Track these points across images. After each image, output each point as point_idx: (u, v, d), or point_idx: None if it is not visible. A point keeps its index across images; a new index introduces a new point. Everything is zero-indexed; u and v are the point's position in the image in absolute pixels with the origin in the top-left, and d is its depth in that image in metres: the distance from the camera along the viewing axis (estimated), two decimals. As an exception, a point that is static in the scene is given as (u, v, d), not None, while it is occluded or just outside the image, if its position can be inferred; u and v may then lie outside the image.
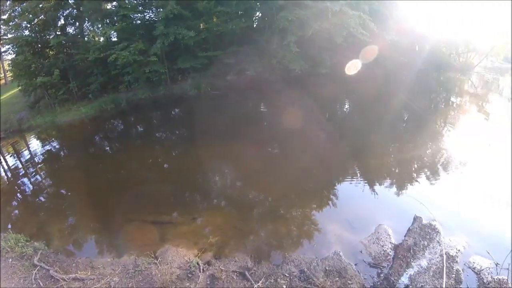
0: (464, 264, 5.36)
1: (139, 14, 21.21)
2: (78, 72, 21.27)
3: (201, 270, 5.30)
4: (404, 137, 11.07)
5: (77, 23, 22.91)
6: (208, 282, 5.11)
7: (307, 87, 17.40)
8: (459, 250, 5.63)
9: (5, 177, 11.73)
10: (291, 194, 7.73)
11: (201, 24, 20.38)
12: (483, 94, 19.57)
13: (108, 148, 14.39)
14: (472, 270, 5.27)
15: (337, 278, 4.98)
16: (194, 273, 5.26)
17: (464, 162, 8.90)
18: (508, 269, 5.18)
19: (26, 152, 14.72)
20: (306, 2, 17.69)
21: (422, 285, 4.88)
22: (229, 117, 14.15)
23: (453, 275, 5.12)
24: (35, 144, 15.85)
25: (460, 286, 4.93)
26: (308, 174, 8.73)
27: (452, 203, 6.89)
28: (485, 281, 5.02)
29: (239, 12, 20.46)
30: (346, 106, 16.38)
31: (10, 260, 5.94)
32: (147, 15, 21.52)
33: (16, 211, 8.74)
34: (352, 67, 17.93)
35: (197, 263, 5.42)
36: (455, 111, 15.12)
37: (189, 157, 10.52)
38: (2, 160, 13.76)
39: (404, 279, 5.06)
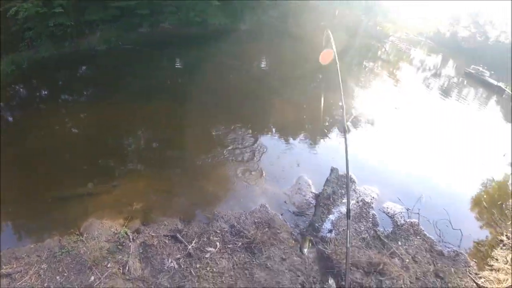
0: (379, 210, 6.17)
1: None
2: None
3: (131, 240, 5.18)
4: (316, 94, 11.79)
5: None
6: (140, 251, 5.05)
7: (225, 43, 16.98)
8: (373, 197, 6.45)
9: None
10: (212, 151, 7.70)
11: None
12: (395, 61, 21.92)
13: (10, 118, 12.41)
14: (386, 214, 6.10)
15: (266, 229, 5.35)
16: (124, 243, 5.13)
17: (373, 121, 10.03)
18: (418, 213, 6.08)
19: None
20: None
21: (343, 229, 5.51)
22: (141, 74, 13.09)
23: (370, 219, 5.87)
24: None
25: (377, 229, 5.66)
26: (227, 129, 8.76)
27: (364, 157, 7.73)
28: (398, 223, 5.84)
29: None
30: (263, 64, 16.58)
31: None
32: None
33: None
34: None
35: (126, 233, 5.26)
36: (366, 74, 16.68)
37: (101, 120, 9.47)
38: None
39: (327, 225, 5.65)
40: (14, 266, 4.98)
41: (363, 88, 13.79)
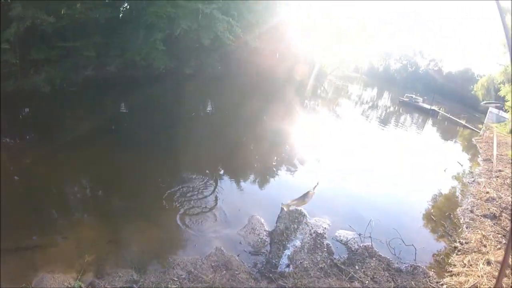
0: (332, 238, 6.54)
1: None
2: None
3: (86, 293, 4.98)
4: (261, 136, 12.44)
5: None
6: (96, 306, 4.84)
7: (170, 86, 17.73)
8: (325, 228, 6.85)
9: None
10: (159, 197, 7.54)
11: (63, 10, 17.57)
12: (333, 98, 24.07)
13: None
14: (340, 242, 6.47)
15: (224, 271, 5.40)
16: (79, 299, 4.90)
17: (316, 154, 10.85)
18: (370, 236, 6.52)
19: None
20: (179, 1, 17.62)
21: (300, 262, 5.75)
22: (85, 119, 12.67)
23: (325, 249, 6.19)
24: None
25: (333, 257, 5.96)
26: (173, 174, 8.80)
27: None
28: (353, 249, 6.21)
29: (106, 0, 18.75)
30: (209, 108, 17.14)
31: None
32: (2, -7, 17.20)
33: None
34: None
35: (80, 287, 5.04)
36: (308, 113, 18.03)
37: (43, 165, 8.83)
38: None
39: (284, 260, 5.85)
40: None
41: (303, 125, 14.77)
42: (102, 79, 17.44)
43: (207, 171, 9.00)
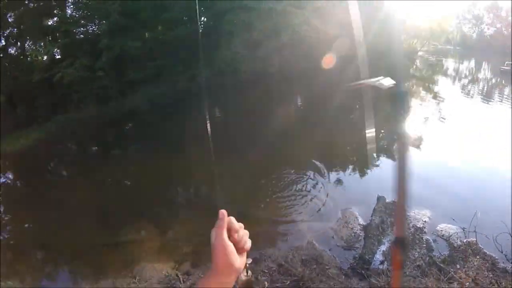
0: (433, 233, 5.77)
1: (82, 28, 20.43)
2: (24, 96, 19.99)
3: (181, 281, 5.26)
4: (357, 125, 11.50)
5: (19, 43, 21.46)
6: (190, 292, 5.10)
7: (257, 88, 17.70)
8: (425, 222, 6.06)
9: None
10: (257, 193, 7.78)
11: (146, 34, 20.01)
12: (428, 76, 21.15)
13: (64, 172, 13.76)
14: (441, 238, 5.67)
15: (314, 266, 5.17)
16: (175, 285, 5.21)
17: (419, 139, 9.55)
18: (474, 231, 5.53)
19: None
20: (250, 4, 17.94)
21: None
22: (185, 126, 13.72)
23: (424, 245, 5.48)
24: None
25: (433, 254, 5.24)
26: (270, 170, 8.84)
27: (410, 180, 7.35)
28: (455, 245, 5.39)
29: (184, 18, 20.21)
30: (299, 103, 16.78)
31: None
32: (90, 29, 20.69)
33: None
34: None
35: (176, 275, 5.37)
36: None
37: (149, 171, 10.13)
38: None
39: (378, 256, 5.33)
40: None
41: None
42: (194, 89, 18.62)
43: (301, 166, 8.92)
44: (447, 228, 5.88)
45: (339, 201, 7.05)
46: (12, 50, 21.84)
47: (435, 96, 16.21)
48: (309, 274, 4.91)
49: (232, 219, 0.94)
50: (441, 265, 4.90)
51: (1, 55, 20.57)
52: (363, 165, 8.69)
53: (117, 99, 18.90)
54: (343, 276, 4.96)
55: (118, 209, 8.31)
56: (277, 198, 7.48)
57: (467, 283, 4.49)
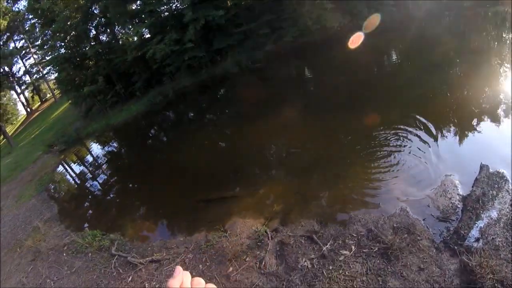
0: None
1: (165, 6, 21.70)
2: (121, 75, 22.58)
3: (270, 238, 5.57)
4: (459, 81, 10.01)
5: (108, 30, 23.96)
6: (277, 249, 5.37)
7: (346, 43, 16.19)
8: None
9: (73, 182, 12.99)
10: (349, 155, 7.47)
11: (228, 2, 20.25)
12: None
13: (164, 137, 15.32)
14: None
15: (405, 235, 4.90)
16: (263, 241, 5.55)
17: None
18: None
19: (89, 157, 16.16)
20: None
21: (492, 238, 4.58)
22: (274, 87, 14.09)
23: None
24: (96, 148, 17.29)
25: None
26: (364, 131, 8.34)
27: None
28: None
29: None
30: (393, 57, 15.05)
31: (90, 254, 6.61)
32: (173, 5, 21.92)
33: (90, 211, 9.60)
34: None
35: (265, 231, 5.70)
36: (509, 48, 13.24)
37: (243, 133, 10.75)
38: (68, 168, 15.26)
39: (475, 232, 4.78)
40: (164, 254, 5.96)
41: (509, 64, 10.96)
42: (282, 50, 18.88)
43: (398, 126, 8.23)
44: None
45: (439, 166, 6.32)
46: (103, 37, 24.53)
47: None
48: (399, 243, 4.71)
49: (189, 278, 0.85)
50: None
51: (94, 43, 23.28)
52: (470, 127, 7.54)
53: (208, 68, 20.17)
54: (434, 250, 4.62)
55: (213, 169, 9.06)
56: (372, 159, 7.12)
57: None
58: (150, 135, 16.22)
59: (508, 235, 4.58)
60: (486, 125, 7.37)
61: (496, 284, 3.90)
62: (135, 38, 23.29)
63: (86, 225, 8.39)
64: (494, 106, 8.09)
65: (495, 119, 7.54)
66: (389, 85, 10.89)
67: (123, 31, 25.49)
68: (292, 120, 10.27)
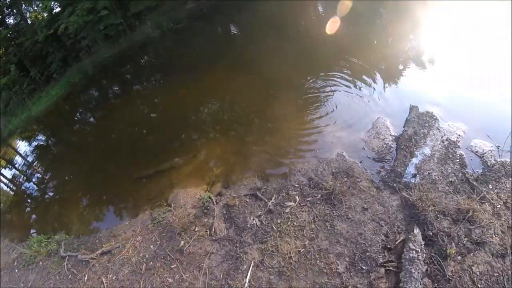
0: (466, 148, 5.33)
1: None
2: (34, 58, 20.04)
3: (215, 203, 5.44)
4: (385, 30, 10.32)
5: (14, 10, 20.89)
6: (224, 212, 5.27)
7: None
8: (459, 135, 5.58)
9: (8, 190, 11.70)
10: (280, 107, 7.46)
11: None
12: None
13: (91, 118, 14.06)
14: (475, 154, 5.23)
15: (345, 178, 5.08)
16: (209, 207, 5.40)
17: (450, 49, 8.52)
18: (509, 151, 5.10)
19: (18, 158, 14.54)
20: None
21: (428, 172, 4.94)
22: (200, 47, 13.43)
23: (457, 160, 5.14)
24: (23, 146, 15.55)
25: (466, 171, 4.93)
26: (294, 80, 8.35)
27: (445, 91, 6.68)
28: (488, 164, 4.96)
29: None
30: (319, 10, 15.05)
31: (41, 262, 6.12)
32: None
33: (33, 216, 8.84)
34: None
35: (209, 197, 5.53)
36: None
37: (172, 99, 10.23)
38: None
39: (411, 169, 5.12)
40: (113, 243, 5.63)
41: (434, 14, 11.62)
42: (203, 8, 17.84)
43: (329, 72, 8.30)
44: (481, 144, 5.38)
45: (369, 110, 6.58)
46: (10, 20, 21.42)
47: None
48: (340, 187, 4.87)
49: None
50: (474, 183, 4.64)
51: (1, 28, 20.22)
52: (396, 73, 7.93)
53: (127, 35, 18.48)
54: (374, 189, 4.88)
55: (147, 143, 8.57)
56: (304, 109, 7.16)
57: (499, 206, 4.27)
58: (76, 119, 14.74)
59: (443, 169, 4.99)
60: (411, 72, 7.76)
61: (438, 215, 4.24)
62: (45, 15, 20.53)
63: (32, 231, 7.73)
64: (417, 51, 8.56)
65: (419, 66, 8.04)
66: (317, 38, 10.80)
67: (31, 9, 22.40)
68: (221, 79, 9.93)
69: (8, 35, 19.86)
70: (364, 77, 7.81)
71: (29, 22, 21.66)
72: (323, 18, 13.20)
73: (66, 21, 16.86)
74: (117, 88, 15.42)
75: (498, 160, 5.08)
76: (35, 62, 19.90)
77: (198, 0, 18.00)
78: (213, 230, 5.01)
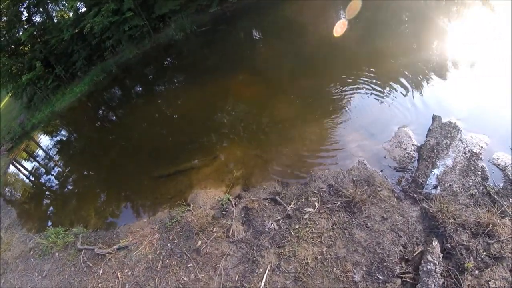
0: (489, 161, 5.21)
1: (99, -25, 19.47)
2: (60, 56, 20.58)
3: (234, 205, 5.49)
4: (409, 38, 10.11)
5: (41, 9, 21.56)
6: (243, 215, 5.31)
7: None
8: (482, 147, 5.46)
9: (28, 181, 12.09)
10: (303, 113, 7.44)
11: None
12: None
13: (113, 116, 14.39)
14: (497, 167, 5.10)
15: (366, 187, 5.04)
16: (227, 209, 5.46)
17: (475, 60, 8.35)
18: None
19: (39, 151, 14.99)
20: None
21: (450, 184, 4.85)
22: (223, 51, 13.50)
23: (479, 172, 5.03)
24: (45, 140, 16.02)
25: (487, 183, 4.82)
26: (316, 89, 8.30)
27: (469, 101, 6.55)
28: (510, 177, 4.83)
29: None
30: (341, 14, 14.92)
31: (57, 254, 6.31)
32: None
33: (51, 208, 9.09)
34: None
35: (228, 199, 5.59)
36: (457, 6, 13.81)
37: (194, 101, 10.32)
38: (21, 167, 14.05)
39: (432, 180, 5.04)
40: (130, 239, 5.76)
41: (457, 21, 11.41)
42: (227, 12, 17.91)
43: (351, 80, 8.23)
44: (504, 157, 5.23)
45: (392, 119, 6.49)
46: (36, 18, 22.06)
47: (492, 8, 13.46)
48: (360, 196, 4.84)
49: None
50: (495, 196, 4.52)
51: (27, 26, 20.87)
52: (418, 81, 7.75)
53: (151, 37, 18.75)
54: (395, 199, 4.82)
55: (168, 143, 8.76)
56: (326, 116, 7.14)
57: None
58: (98, 116, 15.10)
59: (465, 181, 4.88)
60: (434, 81, 7.59)
61: (458, 228, 4.15)
62: (71, 14, 21.05)
63: (49, 223, 7.95)
64: (442, 61, 8.40)
65: (442, 75, 7.88)
66: (339, 44, 10.72)
67: (57, 8, 23.04)
68: (243, 84, 9.98)
69: (35, 33, 20.46)
70: (387, 85, 7.72)
71: (55, 20, 22.27)
72: (344, 23, 13.13)
73: (91, 21, 17.17)
74: (139, 88, 15.73)
75: (521, 174, 4.92)
76: (60, 60, 20.40)
77: (222, 5, 18.13)
78: (230, 232, 5.06)
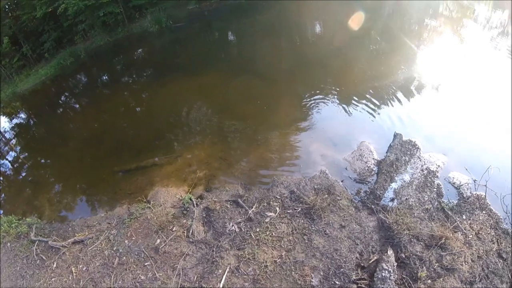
0: (444, 179, 5.58)
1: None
2: (29, 34, 19.40)
3: (195, 205, 5.43)
4: (378, 58, 10.64)
5: (16, -17, 20.25)
6: (204, 215, 5.27)
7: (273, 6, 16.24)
8: (439, 166, 5.83)
9: None
10: (270, 119, 7.54)
11: None
12: (458, 18, 18.97)
13: (76, 104, 13.65)
14: (452, 185, 5.47)
15: (326, 195, 5.20)
16: (188, 209, 5.39)
17: (439, 83, 8.95)
18: (485, 185, 5.33)
19: None
20: None
21: (406, 198, 5.14)
22: (195, 49, 13.39)
23: (435, 189, 5.37)
24: (2, 122, 14.90)
25: (442, 200, 5.16)
26: (285, 96, 8.46)
27: (430, 122, 7.00)
28: (464, 195, 5.22)
29: None
30: (316, 30, 15.39)
31: (9, 244, 5.92)
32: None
33: (3, 195, 8.46)
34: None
35: (190, 199, 5.52)
36: (429, 33, 14.78)
37: (161, 97, 10.05)
38: None
39: (389, 193, 5.31)
40: (86, 233, 5.52)
41: (426, 47, 12.21)
42: (205, 11, 17.79)
43: (317, 91, 8.46)
44: (459, 176, 5.64)
45: (355, 132, 6.78)
46: None
47: (461, 40, 14.71)
48: (320, 203, 4.97)
49: None
50: (449, 212, 4.87)
51: None
52: (382, 99, 8.16)
53: (125, 26, 18.16)
54: (353, 209, 5.02)
55: (131, 137, 8.43)
56: (291, 123, 7.30)
57: (470, 236, 4.50)
58: (61, 102, 14.22)
59: (421, 196, 5.19)
60: (400, 100, 8.01)
61: (412, 239, 4.40)
62: (47, -9, 19.96)
63: (0, 211, 7.40)
64: (408, 82, 8.90)
65: (408, 95, 8.36)
66: (310, 53, 11.06)
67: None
68: (212, 84, 9.92)
69: (6, 7, 19.24)
70: (353, 100, 8.03)
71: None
72: (321, 35, 13.58)
73: (67, 2, 16.37)
74: (106, 77, 15.08)
75: (474, 193, 5.32)
76: (29, 38, 19.26)
77: (200, 4, 18.00)
78: (191, 231, 5.01)
